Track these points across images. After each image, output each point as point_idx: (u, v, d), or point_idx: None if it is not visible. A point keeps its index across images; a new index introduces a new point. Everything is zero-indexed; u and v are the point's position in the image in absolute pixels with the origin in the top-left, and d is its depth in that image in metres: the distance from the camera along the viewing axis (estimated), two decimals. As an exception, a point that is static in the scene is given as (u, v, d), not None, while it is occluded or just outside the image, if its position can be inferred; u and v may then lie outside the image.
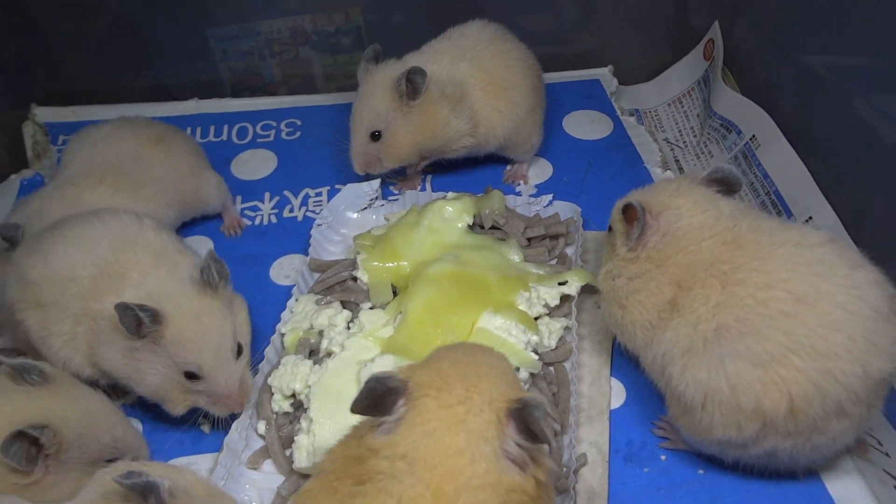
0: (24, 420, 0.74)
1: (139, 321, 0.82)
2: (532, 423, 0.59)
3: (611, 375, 0.96)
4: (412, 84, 1.08)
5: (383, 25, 1.44)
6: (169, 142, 1.14)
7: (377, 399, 0.61)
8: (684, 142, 1.37)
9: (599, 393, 0.94)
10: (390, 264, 1.01)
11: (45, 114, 1.39)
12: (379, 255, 1.02)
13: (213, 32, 1.42)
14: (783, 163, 1.15)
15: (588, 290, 1.01)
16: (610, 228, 0.93)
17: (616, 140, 1.30)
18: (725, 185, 0.88)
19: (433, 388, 0.62)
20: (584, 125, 1.33)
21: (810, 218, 1.08)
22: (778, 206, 1.14)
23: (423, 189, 1.24)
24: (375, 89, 1.11)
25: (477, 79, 1.15)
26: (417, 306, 0.93)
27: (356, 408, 0.62)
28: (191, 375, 0.86)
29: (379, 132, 1.12)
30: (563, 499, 0.82)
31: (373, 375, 0.61)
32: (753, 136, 1.22)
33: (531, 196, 1.18)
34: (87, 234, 0.89)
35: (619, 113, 1.35)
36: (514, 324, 0.91)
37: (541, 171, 1.25)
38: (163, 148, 1.13)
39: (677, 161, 1.34)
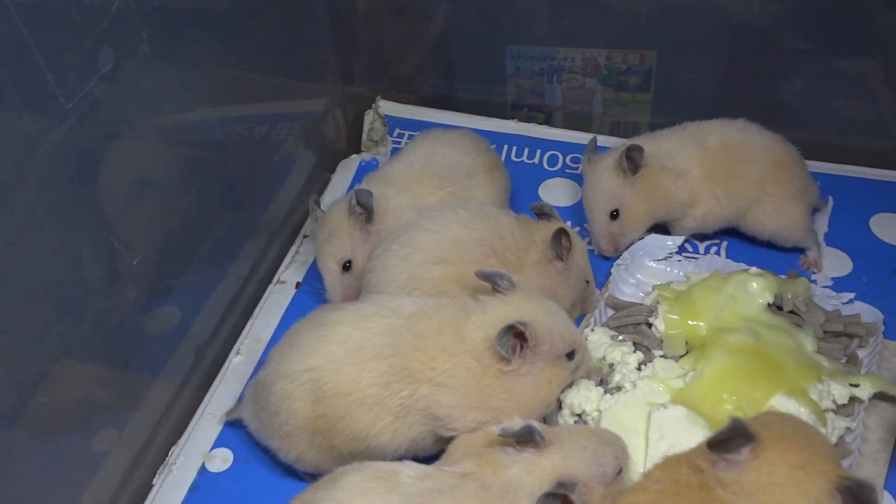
0: (507, 319, 0.91)
1: (562, 243, 1.08)
2: (864, 501, 0.66)
3: (885, 488, 0.98)
4: (632, 160, 1.18)
5: (673, 75, 1.49)
6: (498, 174, 1.30)
7: (730, 438, 0.71)
8: None
9: (872, 500, 0.96)
10: (690, 322, 1.09)
11: (387, 107, 1.60)
12: (679, 309, 1.10)
13: (512, 49, 1.54)
14: None
15: (878, 397, 1.03)
16: None
17: (924, 251, 1.28)
18: None
19: (780, 447, 0.71)
20: (893, 230, 1.32)
21: None
22: None
23: (718, 254, 1.29)
24: (603, 174, 1.22)
25: (700, 161, 1.23)
26: (715, 369, 1.00)
27: (714, 439, 0.72)
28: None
29: (616, 210, 1.22)
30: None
31: (734, 419, 0.71)
32: None
33: (825, 287, 1.20)
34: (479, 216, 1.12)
35: (932, 223, 1.33)
36: (807, 412, 0.95)
37: (839, 265, 1.27)
38: (492, 176, 1.29)
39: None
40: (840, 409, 1.01)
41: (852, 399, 1.02)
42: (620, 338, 1.10)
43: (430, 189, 1.23)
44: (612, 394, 1.02)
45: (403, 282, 1.07)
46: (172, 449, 1.09)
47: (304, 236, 1.39)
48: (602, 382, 1.06)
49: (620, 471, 0.87)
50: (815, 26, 1.40)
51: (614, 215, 1.23)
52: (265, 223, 1.36)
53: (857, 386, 1.02)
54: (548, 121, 1.60)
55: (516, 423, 0.84)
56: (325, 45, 1.52)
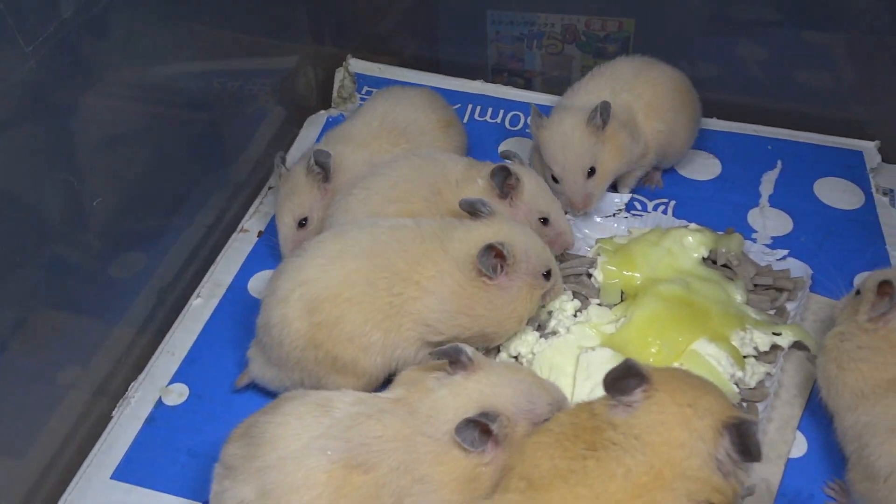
0: (488, 238, 1.00)
1: (507, 179, 1.14)
2: (748, 439, 0.71)
3: (798, 429, 1.04)
4: (603, 117, 1.21)
5: (651, 44, 1.49)
6: (453, 131, 1.35)
7: (622, 377, 0.75)
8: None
9: (782, 439, 1.02)
10: (626, 272, 1.14)
11: (357, 65, 1.64)
12: (617, 261, 1.16)
13: (493, 14, 1.57)
14: None
15: (797, 346, 1.09)
16: (857, 293, 1.00)
17: (863, 215, 1.33)
18: None
19: (670, 388, 0.75)
20: (835, 193, 1.37)
21: None
22: None
23: (665, 212, 1.34)
24: (575, 133, 1.23)
25: (638, 105, 1.29)
26: (643, 315, 1.05)
27: (608, 378, 0.76)
28: (544, 221, 1.17)
29: (593, 168, 1.24)
30: (728, 517, 0.92)
31: (628, 360, 0.76)
32: None
33: (766, 245, 1.26)
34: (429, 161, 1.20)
35: (873, 189, 1.38)
36: (726, 356, 1.01)
37: (781, 224, 1.32)
38: (447, 133, 1.34)
39: (921, 249, 1.35)
40: (762, 356, 1.07)
41: (774, 347, 1.07)
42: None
43: (386, 146, 1.28)
44: (546, 338, 1.08)
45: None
46: (132, 384, 1.15)
47: (269, 188, 1.44)
48: (539, 327, 1.11)
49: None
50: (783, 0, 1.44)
51: (590, 173, 1.25)
52: (233, 175, 1.41)
53: (779, 335, 1.08)
54: (528, 86, 1.64)
55: (448, 345, 0.90)
56: (296, 3, 1.56)
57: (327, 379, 1.01)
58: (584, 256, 1.21)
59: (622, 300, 1.14)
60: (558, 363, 1.04)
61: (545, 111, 1.30)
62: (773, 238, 1.29)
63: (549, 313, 1.12)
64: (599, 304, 1.13)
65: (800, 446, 1.03)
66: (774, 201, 1.36)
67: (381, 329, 0.99)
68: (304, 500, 0.80)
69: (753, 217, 1.33)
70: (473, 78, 1.62)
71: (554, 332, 1.09)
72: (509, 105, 1.57)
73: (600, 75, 1.33)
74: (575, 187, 1.24)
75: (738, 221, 1.32)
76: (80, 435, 1.08)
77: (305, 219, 1.23)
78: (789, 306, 1.16)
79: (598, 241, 1.22)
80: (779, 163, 1.43)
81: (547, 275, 1.05)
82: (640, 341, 1.03)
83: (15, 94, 0.94)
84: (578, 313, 1.12)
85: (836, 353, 0.95)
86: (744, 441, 0.72)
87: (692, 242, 1.16)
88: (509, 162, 1.20)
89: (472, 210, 1.06)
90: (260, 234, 1.36)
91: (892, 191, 1.43)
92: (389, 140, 1.29)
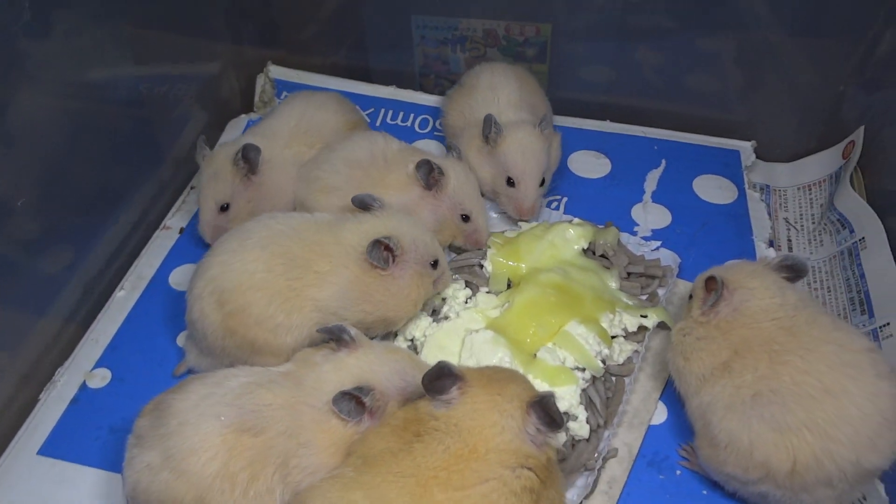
0: (376, 233, 1.09)
1: (431, 172, 1.24)
2: (550, 411, 0.85)
3: (660, 399, 1.17)
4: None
5: (567, 48, 1.64)
6: (359, 131, 1.45)
7: (440, 377, 0.89)
8: (802, 226, 1.52)
9: (645, 409, 1.16)
10: (511, 263, 1.26)
11: (277, 71, 1.74)
12: (505, 253, 1.28)
13: (417, 19, 1.66)
14: (880, 268, 1.29)
15: (663, 326, 1.22)
16: (691, 296, 1.13)
17: (735, 209, 1.47)
18: (794, 272, 1.07)
19: (482, 382, 0.90)
20: (712, 189, 1.51)
21: (888, 324, 1.24)
22: (864, 306, 1.30)
23: (557, 209, 1.47)
24: (534, 144, 1.34)
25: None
26: (522, 301, 1.18)
27: (426, 379, 0.89)
28: (465, 218, 1.28)
29: (544, 178, 1.35)
30: (588, 475, 1.05)
31: (441, 362, 0.89)
32: (863, 237, 1.36)
33: (643, 238, 1.39)
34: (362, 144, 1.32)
35: (746, 185, 1.52)
36: (594, 335, 1.14)
37: (660, 218, 1.45)
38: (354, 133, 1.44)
39: (790, 241, 1.50)
40: (630, 336, 1.20)
41: (641, 328, 1.21)
42: (455, 277, 1.27)
43: (304, 148, 1.39)
44: (438, 322, 1.20)
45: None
46: (59, 369, 1.23)
47: (192, 188, 1.53)
48: (434, 312, 1.23)
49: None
50: (681, 8, 1.56)
51: (542, 182, 1.35)
52: (158, 174, 1.50)
53: (645, 317, 1.21)
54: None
55: (333, 324, 1.01)
56: (216, 11, 1.64)
57: (252, 360, 1.11)
58: (478, 250, 1.33)
59: (509, 288, 1.26)
60: (446, 344, 1.15)
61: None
62: (652, 231, 1.43)
63: (444, 300, 1.23)
64: (488, 292, 1.25)
65: (661, 414, 1.16)
66: (656, 197, 1.50)
67: (284, 311, 1.08)
68: (201, 461, 0.90)
69: (637, 212, 1.47)
70: (402, 82, 1.72)
71: (446, 317, 1.20)
72: (419, 109, 1.68)
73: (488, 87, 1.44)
74: (532, 194, 1.33)
75: (623, 216, 1.45)
76: (9, 416, 1.17)
77: (227, 205, 1.32)
78: (660, 292, 1.29)
79: (490, 234, 1.34)
80: (663, 162, 1.57)
81: (434, 264, 1.17)
82: (518, 324, 1.16)
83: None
84: (469, 300, 1.23)
85: (680, 346, 1.08)
86: (547, 413, 0.86)
87: (573, 235, 1.29)
88: (434, 155, 1.30)
89: (363, 205, 1.16)
90: (181, 230, 1.45)
91: (767, 186, 1.58)
92: (306, 141, 1.39)
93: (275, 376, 0.98)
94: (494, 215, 1.43)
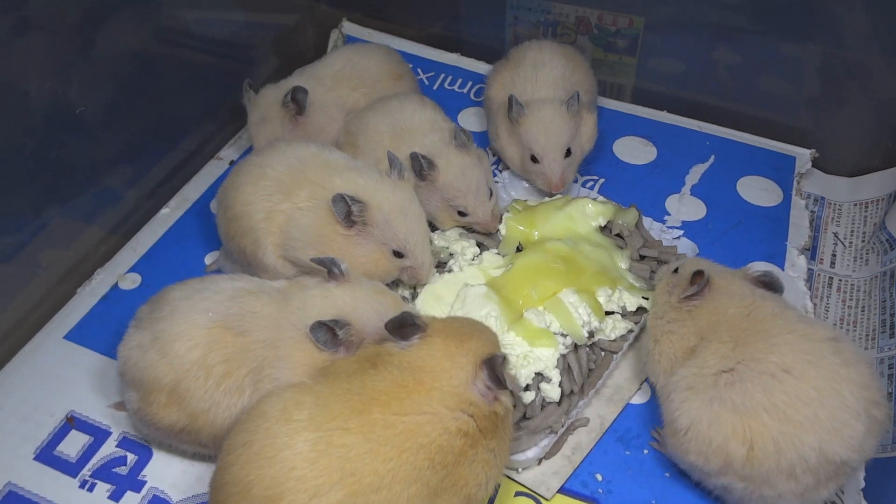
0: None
1: (422, 167, 1.23)
2: (495, 368, 0.88)
3: (645, 381, 1.17)
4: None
5: (659, 44, 1.62)
6: (403, 83, 1.51)
7: (403, 325, 0.92)
8: (851, 242, 1.46)
9: (628, 387, 1.16)
10: (523, 228, 1.28)
11: (350, 28, 1.81)
12: (521, 218, 1.30)
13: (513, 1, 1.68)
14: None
15: (664, 311, 1.21)
16: (675, 271, 1.12)
17: (776, 213, 1.43)
18: (770, 288, 1.06)
19: (444, 333, 0.93)
20: (756, 190, 1.47)
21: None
22: (894, 329, 1.24)
23: (592, 188, 1.47)
24: (556, 116, 1.34)
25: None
26: (524, 263, 1.20)
27: (390, 324, 0.93)
28: (461, 213, 1.27)
29: (570, 148, 1.35)
30: (551, 438, 1.07)
31: (407, 311, 0.93)
32: (911, 261, 1.31)
33: (670, 227, 1.38)
34: (391, 105, 1.34)
35: (794, 192, 1.47)
36: (584, 306, 1.14)
37: (694, 211, 1.43)
38: (397, 84, 1.50)
39: (834, 256, 1.44)
40: (628, 315, 1.20)
41: (640, 309, 1.20)
42: (468, 235, 1.30)
43: (347, 91, 1.46)
44: (441, 274, 1.23)
45: None
46: (98, 270, 1.35)
47: (249, 126, 1.63)
48: (440, 265, 1.26)
49: None
50: (773, 12, 1.53)
51: (568, 153, 1.36)
52: (220, 111, 1.60)
53: (647, 299, 1.20)
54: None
55: (326, 256, 1.06)
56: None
57: (249, 272, 1.19)
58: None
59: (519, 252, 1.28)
60: (443, 294, 1.19)
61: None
62: (682, 222, 1.41)
63: (451, 255, 1.27)
64: (496, 253, 1.27)
65: (643, 395, 1.16)
66: (695, 191, 1.47)
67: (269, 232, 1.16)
68: (185, 347, 0.98)
69: (671, 202, 1.45)
70: (490, 59, 1.71)
71: (450, 271, 1.24)
72: (477, 78, 1.71)
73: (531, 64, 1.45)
74: (556, 166, 1.34)
75: (656, 204, 1.44)
76: (48, 303, 1.30)
77: None
78: (673, 279, 1.28)
79: (514, 200, 1.36)
80: (712, 157, 1.54)
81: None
82: (515, 284, 1.18)
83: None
84: (476, 258, 1.26)
85: (653, 329, 1.09)
86: (494, 372, 0.89)
87: (592, 210, 1.30)
88: (442, 143, 1.28)
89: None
90: (231, 162, 1.55)
91: (822, 198, 1.52)
92: (350, 85, 1.46)
93: (267, 288, 1.05)
94: (526, 186, 1.45)
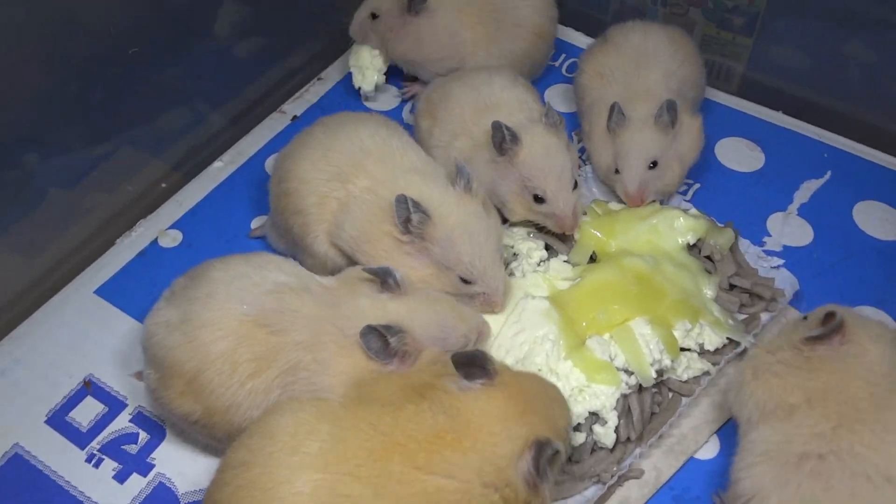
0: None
1: (503, 139, 1.08)
2: (539, 459, 0.77)
3: (717, 433, 1.02)
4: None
5: (780, 27, 1.44)
6: (541, 46, 1.40)
7: (472, 364, 0.81)
8: None
9: (694, 438, 1.01)
10: (600, 235, 1.13)
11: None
12: (598, 223, 1.15)
13: None
14: None
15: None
16: (806, 318, 0.96)
17: (894, 250, 1.24)
18: None
19: (510, 390, 0.81)
20: (875, 219, 1.28)
21: None
22: None
23: (685, 194, 1.30)
24: (642, 132, 1.19)
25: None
26: (595, 279, 1.06)
27: (458, 357, 0.82)
28: (537, 199, 1.10)
29: (655, 161, 1.18)
30: (597, 489, 0.94)
31: (478, 351, 0.82)
32: None
33: (766, 251, 1.21)
34: (479, 78, 1.22)
35: (922, 227, 1.28)
36: (657, 341, 1.00)
37: (800, 235, 1.25)
38: (536, 44, 1.39)
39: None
40: (706, 354, 1.05)
41: (723, 348, 1.05)
42: (535, 235, 1.16)
43: (472, 19, 1.35)
44: (501, 277, 1.10)
45: None
46: (140, 221, 1.28)
47: (318, 79, 1.51)
48: (502, 266, 1.13)
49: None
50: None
51: (653, 165, 1.19)
52: (288, 61, 1.49)
53: (731, 340, 1.05)
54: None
55: (380, 266, 0.95)
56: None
57: (293, 251, 1.12)
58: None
59: (591, 263, 1.13)
60: (499, 301, 1.06)
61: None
62: (784, 247, 1.24)
63: (515, 255, 1.13)
64: (565, 261, 1.13)
65: (711, 449, 1.02)
66: (804, 211, 1.29)
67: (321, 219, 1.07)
68: (213, 336, 0.89)
69: (774, 221, 1.27)
70: (590, 28, 1.56)
71: (511, 274, 1.11)
72: (572, 51, 1.54)
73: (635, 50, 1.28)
74: (632, 179, 1.18)
75: (756, 222, 1.27)
76: (85, 253, 1.23)
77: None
78: (764, 317, 1.11)
79: (593, 201, 1.21)
80: (828, 173, 1.35)
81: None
82: (582, 303, 1.04)
83: None
84: (542, 263, 1.12)
85: (756, 360, 0.92)
86: (536, 458, 0.77)
87: (682, 225, 1.14)
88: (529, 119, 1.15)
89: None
90: (294, 118, 1.44)
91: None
92: (480, 14, 1.35)
93: (312, 285, 0.95)
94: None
